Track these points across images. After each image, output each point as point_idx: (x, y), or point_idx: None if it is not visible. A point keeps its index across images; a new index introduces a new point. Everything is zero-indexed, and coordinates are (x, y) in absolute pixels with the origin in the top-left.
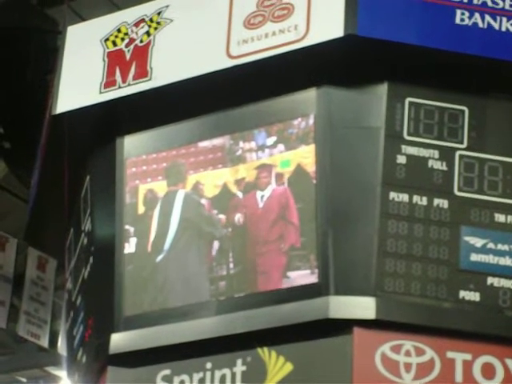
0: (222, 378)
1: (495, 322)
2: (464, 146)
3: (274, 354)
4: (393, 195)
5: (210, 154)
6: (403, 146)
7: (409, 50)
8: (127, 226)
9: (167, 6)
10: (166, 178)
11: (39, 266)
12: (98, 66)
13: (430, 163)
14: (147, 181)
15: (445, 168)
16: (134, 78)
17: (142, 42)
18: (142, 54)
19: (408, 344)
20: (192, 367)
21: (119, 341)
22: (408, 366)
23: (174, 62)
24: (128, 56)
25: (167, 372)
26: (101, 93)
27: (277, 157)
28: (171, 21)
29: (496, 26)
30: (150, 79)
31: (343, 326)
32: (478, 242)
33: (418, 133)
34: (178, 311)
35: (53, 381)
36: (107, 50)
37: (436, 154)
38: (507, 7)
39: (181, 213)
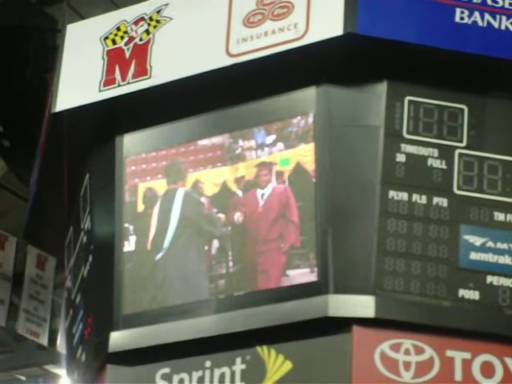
0: (222, 377)
1: (494, 320)
2: (463, 144)
3: (273, 352)
4: (392, 194)
5: (210, 153)
6: (402, 145)
7: (408, 49)
8: (126, 225)
9: (167, 5)
10: (166, 177)
11: (39, 264)
12: (98, 65)
13: (430, 162)
14: (146, 179)
15: (444, 166)
16: (134, 77)
17: (141, 40)
18: (141, 52)
19: (407, 342)
20: (191, 365)
21: (118, 339)
22: (407, 365)
23: (173, 60)
24: (127, 54)
25: (166, 370)
26: (100, 91)
27: (276, 155)
28: (171, 19)
29: (495, 24)
30: (150, 77)
31: (342, 325)
32: (477, 241)
33: (417, 131)
34: (178, 309)
35: (52, 379)
36: (107, 49)
37: (435, 152)
38: (507, 6)
39: (180, 211)
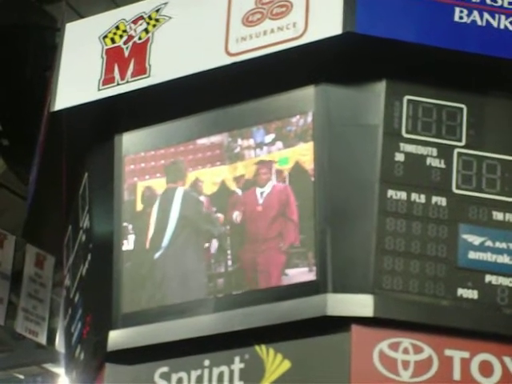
0: (220, 376)
1: (493, 319)
2: (462, 143)
3: (271, 351)
4: (391, 193)
5: (209, 152)
6: (401, 144)
7: (407, 48)
8: (125, 223)
9: (166, 4)
10: (166, 175)
11: (37, 263)
12: (97, 63)
13: (429, 161)
14: (145, 178)
15: (443, 166)
16: (133, 75)
17: (140, 39)
18: (140, 51)
19: (406, 342)
20: (190, 364)
21: (117, 338)
22: (406, 364)
23: (172, 59)
24: (126, 53)
25: (165, 369)
26: (99, 90)
27: (275, 154)
28: (170, 18)
29: (495, 23)
30: (149, 76)
31: (341, 324)
32: (476, 240)
33: (416, 130)
34: (176, 308)
35: (51, 378)
36: (105, 47)
37: (434, 151)
38: (506, 5)
39: (180, 210)
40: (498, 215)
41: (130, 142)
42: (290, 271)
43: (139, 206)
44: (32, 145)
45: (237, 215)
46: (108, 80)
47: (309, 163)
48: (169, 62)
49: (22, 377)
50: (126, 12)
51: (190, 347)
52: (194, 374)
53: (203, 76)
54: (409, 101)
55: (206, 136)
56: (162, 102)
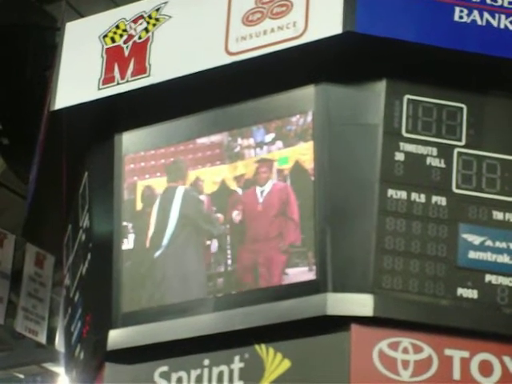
0: (220, 375)
1: (493, 319)
2: (462, 143)
3: (271, 350)
4: (391, 192)
5: (208, 151)
6: (401, 144)
7: (407, 47)
8: (125, 223)
9: (166, 3)
10: (167, 175)
11: (37, 262)
12: (97, 63)
13: (428, 160)
14: (145, 177)
15: (443, 165)
16: (133, 75)
17: (140, 38)
18: (140, 50)
19: (406, 341)
20: (190, 364)
21: (117, 337)
22: (406, 363)
23: (172, 58)
24: (126, 52)
25: (165, 368)
26: (99, 89)
27: (275, 154)
28: (170, 17)
29: (495, 23)
30: (149, 76)
31: (341, 323)
32: (476, 240)
33: (416, 130)
34: (176, 308)
35: (50, 377)
36: (106, 47)
37: (434, 151)
38: (506, 4)
39: (180, 209)
40: (498, 215)
41: (130, 141)
42: (290, 270)
43: (139, 206)
44: (32, 144)
45: (238, 214)
46: (108, 79)
47: (309, 163)
48: (169, 61)
49: (21, 376)
50: (126, 11)
51: (190, 346)
52: (194, 373)
53: (203, 75)
54: (409, 100)
55: (206, 135)
56: (162, 102)
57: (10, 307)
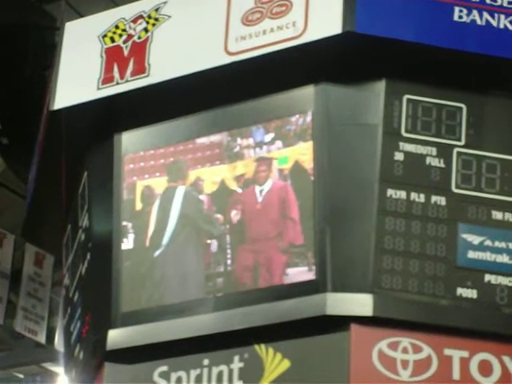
0: (219, 375)
1: (492, 319)
2: (462, 143)
3: (271, 350)
4: (390, 192)
5: (208, 151)
6: (401, 143)
7: (407, 47)
8: (125, 223)
9: (165, 3)
10: (168, 175)
11: (36, 262)
12: (96, 62)
13: (428, 160)
14: (145, 177)
15: (442, 165)
16: (132, 75)
17: (139, 38)
18: (139, 50)
19: (405, 341)
20: (189, 364)
21: (116, 337)
22: (405, 363)
23: (171, 58)
24: (126, 52)
25: (164, 368)
26: (99, 89)
27: (275, 153)
28: (169, 17)
29: (494, 23)
30: (148, 75)
31: (340, 323)
32: (475, 240)
33: (415, 130)
34: (176, 307)
35: (50, 377)
36: (105, 47)
37: (434, 151)
38: (505, 4)
39: (180, 209)
40: (498, 215)
41: (130, 141)
42: (290, 270)
43: (138, 205)
44: (31, 144)
45: (237, 214)
46: (107, 79)
47: (308, 162)
48: (168, 61)
49: (21, 376)
50: (126, 11)
51: (190, 346)
52: (194, 373)
53: (203, 75)
54: (408, 100)
55: (206, 135)
56: (162, 101)
57: (10, 307)
